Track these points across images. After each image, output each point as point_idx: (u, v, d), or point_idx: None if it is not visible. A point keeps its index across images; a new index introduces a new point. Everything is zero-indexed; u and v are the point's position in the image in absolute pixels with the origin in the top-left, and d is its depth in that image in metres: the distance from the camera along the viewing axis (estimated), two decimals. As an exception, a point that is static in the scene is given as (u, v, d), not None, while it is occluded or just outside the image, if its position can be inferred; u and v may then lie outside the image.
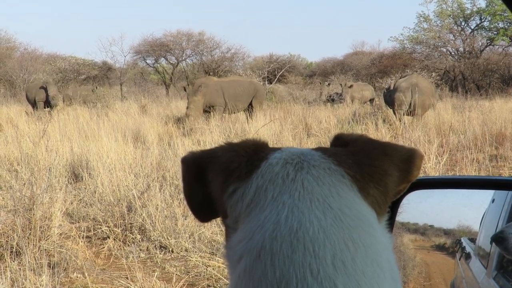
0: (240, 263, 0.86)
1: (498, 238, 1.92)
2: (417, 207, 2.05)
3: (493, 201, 2.12)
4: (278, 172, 0.94)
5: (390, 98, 17.34)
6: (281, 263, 0.81)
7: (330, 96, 26.88)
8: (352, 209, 0.88)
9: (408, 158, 1.00)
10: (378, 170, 0.96)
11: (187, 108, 17.73)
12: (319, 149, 1.02)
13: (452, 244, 2.26)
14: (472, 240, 2.21)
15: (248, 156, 0.99)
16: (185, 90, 18.20)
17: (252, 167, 0.97)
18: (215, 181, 0.99)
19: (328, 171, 0.94)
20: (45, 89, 23.53)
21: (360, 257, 0.83)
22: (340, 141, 1.08)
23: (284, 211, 0.87)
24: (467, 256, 2.21)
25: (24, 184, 7.80)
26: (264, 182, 0.93)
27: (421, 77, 19.98)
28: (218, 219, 1.06)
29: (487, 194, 2.13)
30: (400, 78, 17.61)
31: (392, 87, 18.15)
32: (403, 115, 15.86)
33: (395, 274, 0.88)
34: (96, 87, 29.79)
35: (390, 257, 0.89)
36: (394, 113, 16.51)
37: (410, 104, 16.25)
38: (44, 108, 23.42)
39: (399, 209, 1.87)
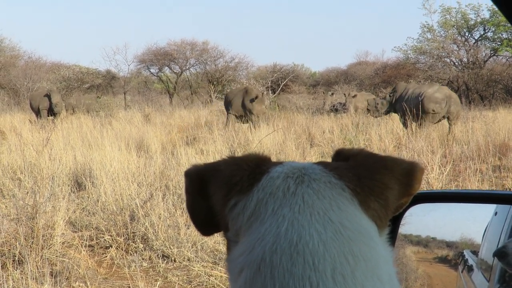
0: (241, 276, 0.86)
1: (501, 253, 1.91)
2: (420, 219, 2.05)
3: (495, 214, 2.12)
4: (279, 185, 0.94)
5: (402, 106, 17.04)
6: (281, 276, 0.81)
7: (333, 106, 26.85)
8: (352, 223, 0.88)
9: (408, 172, 1.01)
10: (378, 184, 0.96)
11: (257, 115, 18.37)
12: (321, 163, 1.02)
13: (455, 256, 2.25)
14: (475, 252, 2.20)
15: (250, 170, 0.99)
16: (256, 97, 18.69)
17: (253, 181, 0.97)
18: (217, 194, 0.99)
19: (329, 185, 0.94)
20: (49, 97, 23.59)
21: (360, 270, 0.83)
22: (341, 156, 1.08)
23: (284, 224, 0.87)
24: (470, 269, 2.20)
25: (27, 192, 7.82)
26: (265, 195, 0.93)
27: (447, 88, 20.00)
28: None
29: (490, 207, 2.13)
30: (413, 89, 17.17)
31: (395, 97, 17.96)
32: (437, 122, 16.14)
33: None
34: (100, 96, 29.88)
35: (391, 271, 0.89)
36: (403, 122, 16.40)
37: (444, 114, 16.36)
38: (48, 116, 23.48)
39: (402, 221, 1.87)
